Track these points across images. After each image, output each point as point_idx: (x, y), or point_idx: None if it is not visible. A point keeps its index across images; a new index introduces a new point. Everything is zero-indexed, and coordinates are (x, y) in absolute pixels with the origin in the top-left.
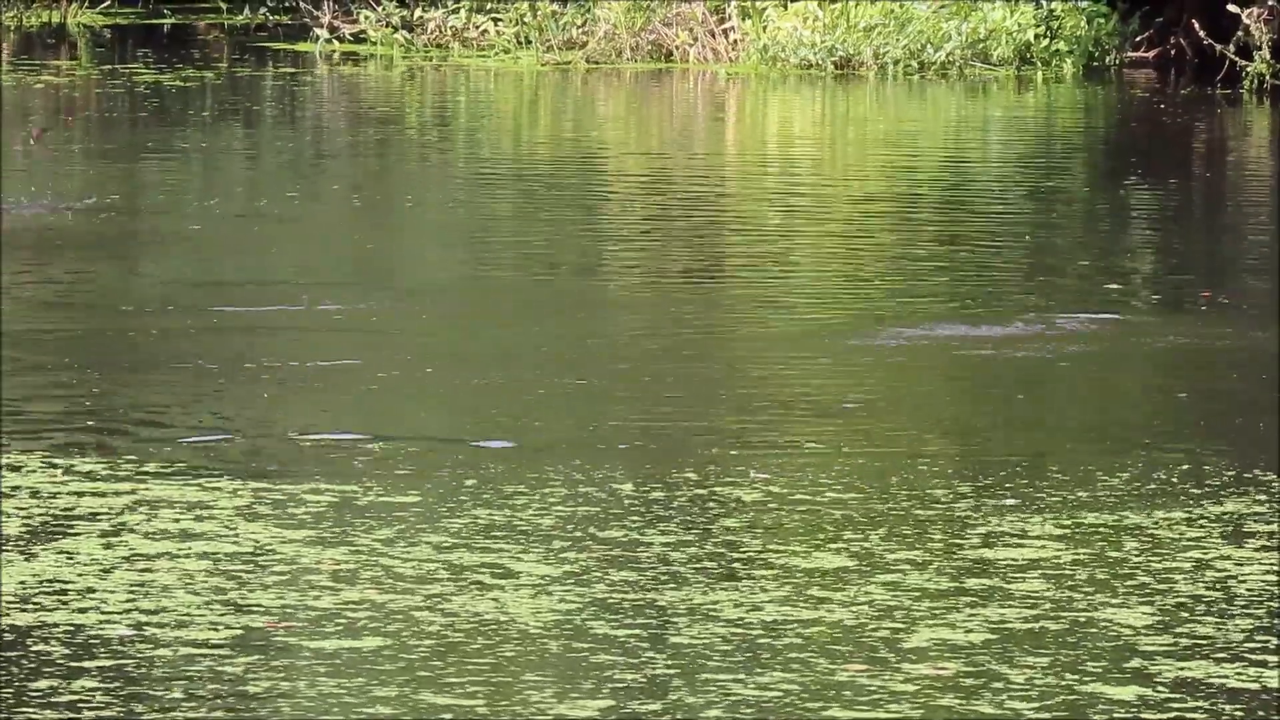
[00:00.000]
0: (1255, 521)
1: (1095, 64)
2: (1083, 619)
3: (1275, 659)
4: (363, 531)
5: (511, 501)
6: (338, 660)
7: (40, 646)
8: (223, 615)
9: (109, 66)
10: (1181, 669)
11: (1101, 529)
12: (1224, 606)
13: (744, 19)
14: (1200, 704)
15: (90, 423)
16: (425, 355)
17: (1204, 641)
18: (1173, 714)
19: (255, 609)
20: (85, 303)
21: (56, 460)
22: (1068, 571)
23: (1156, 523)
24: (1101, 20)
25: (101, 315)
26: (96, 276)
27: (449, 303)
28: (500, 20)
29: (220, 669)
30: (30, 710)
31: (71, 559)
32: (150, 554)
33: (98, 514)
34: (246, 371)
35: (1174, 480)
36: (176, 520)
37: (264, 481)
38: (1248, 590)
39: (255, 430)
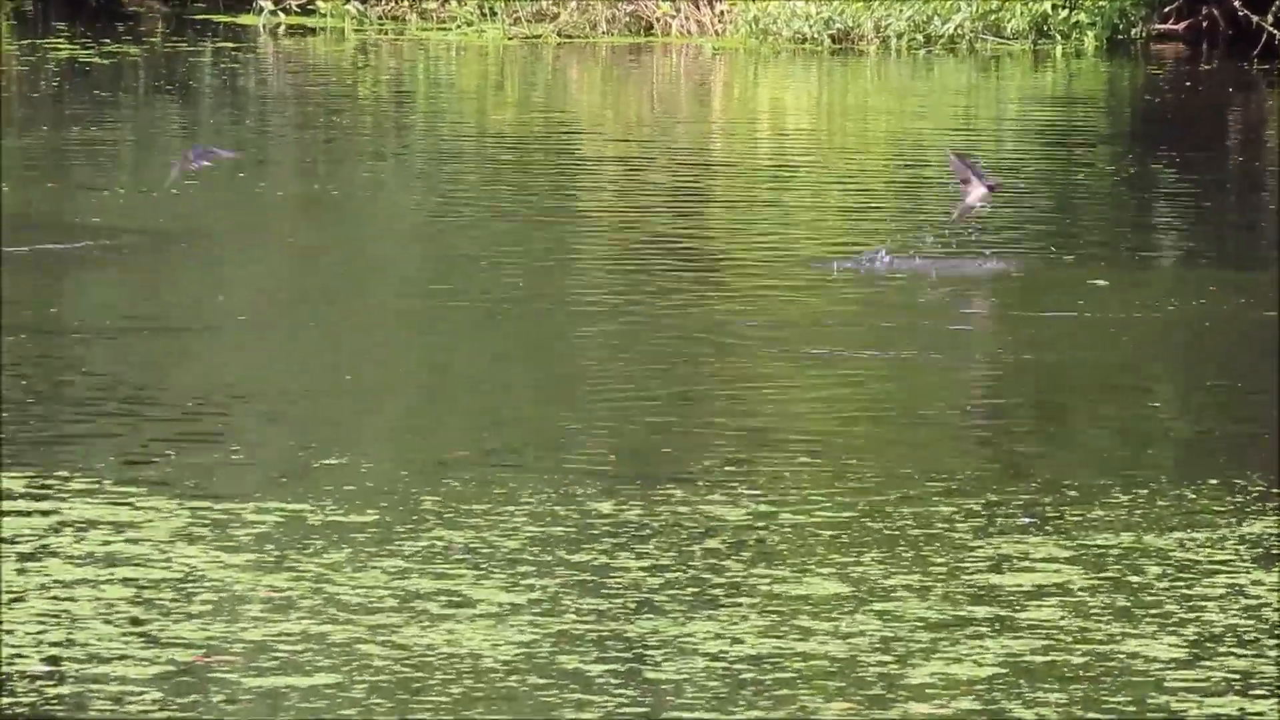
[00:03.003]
0: None
1: (1119, 37)
2: (1101, 651)
3: None
4: (308, 555)
5: (475, 522)
6: (264, 698)
7: None
8: (142, 649)
9: (28, 41)
10: (1212, 706)
11: (1120, 551)
12: (1257, 636)
13: None
14: None
15: (3, 436)
16: (383, 362)
17: (1236, 676)
18: None
19: (177, 642)
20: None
21: None
22: (1084, 598)
23: (1180, 544)
24: None
25: (26, 329)
26: (16, 285)
27: (408, 306)
28: None
29: (130, 707)
30: None
31: None
32: (68, 580)
33: (18, 536)
34: (184, 385)
35: (1198, 497)
36: (105, 543)
37: (204, 500)
38: None
39: (195, 445)
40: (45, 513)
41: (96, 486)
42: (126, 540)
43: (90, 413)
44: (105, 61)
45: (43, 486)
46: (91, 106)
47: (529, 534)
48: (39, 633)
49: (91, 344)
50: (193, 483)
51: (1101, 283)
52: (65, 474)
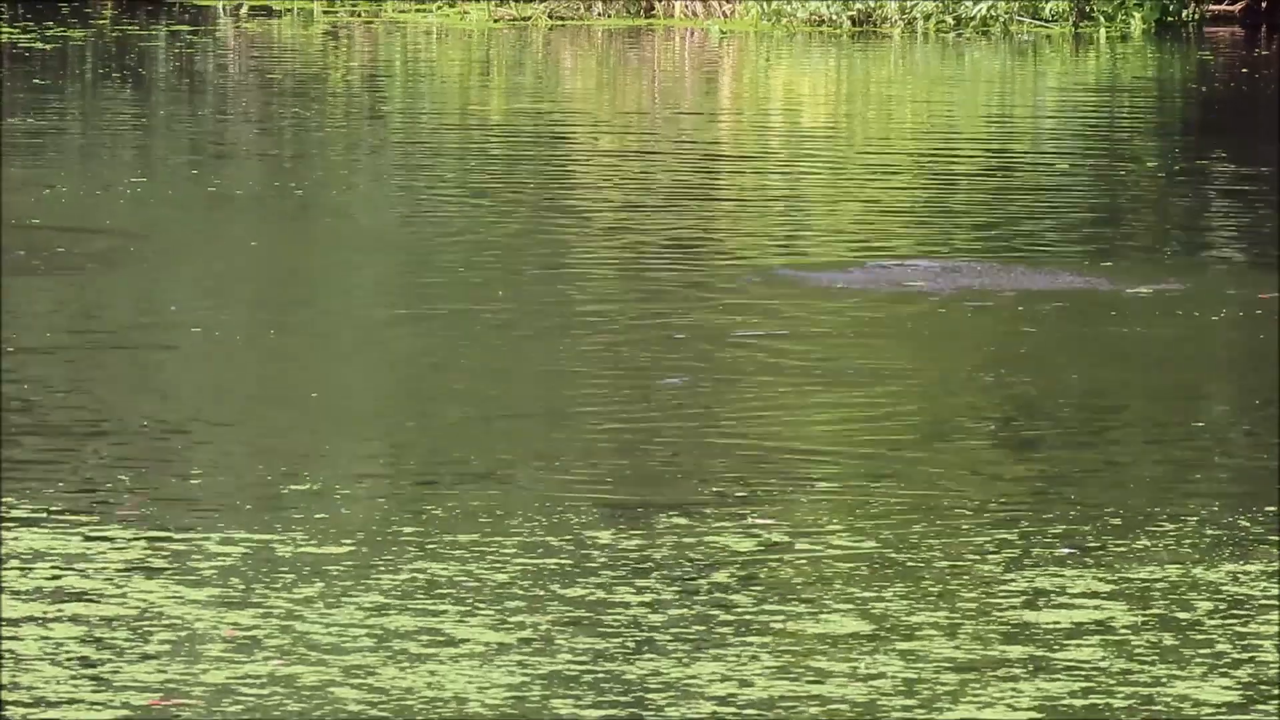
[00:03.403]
0: None
1: (1169, 19)
2: (1146, 694)
3: None
4: (278, 590)
5: (460, 552)
6: None
7: None
8: (93, 692)
9: None
10: None
11: (1166, 585)
12: None
13: None
14: None
15: None
16: (356, 377)
17: None
18: None
19: (132, 685)
20: None
21: None
22: (1127, 637)
23: (1233, 578)
24: None
25: None
26: None
27: (386, 315)
28: None
29: None
30: None
31: None
32: (13, 618)
33: None
34: (137, 404)
35: (1252, 526)
36: (53, 577)
37: (162, 529)
38: None
39: (153, 469)
40: None
41: (43, 514)
42: (77, 574)
43: (35, 433)
44: (47, 46)
45: None
46: (30, 95)
47: (519, 566)
48: None
49: (33, 359)
50: (150, 510)
51: (1143, 290)
52: (9, 500)
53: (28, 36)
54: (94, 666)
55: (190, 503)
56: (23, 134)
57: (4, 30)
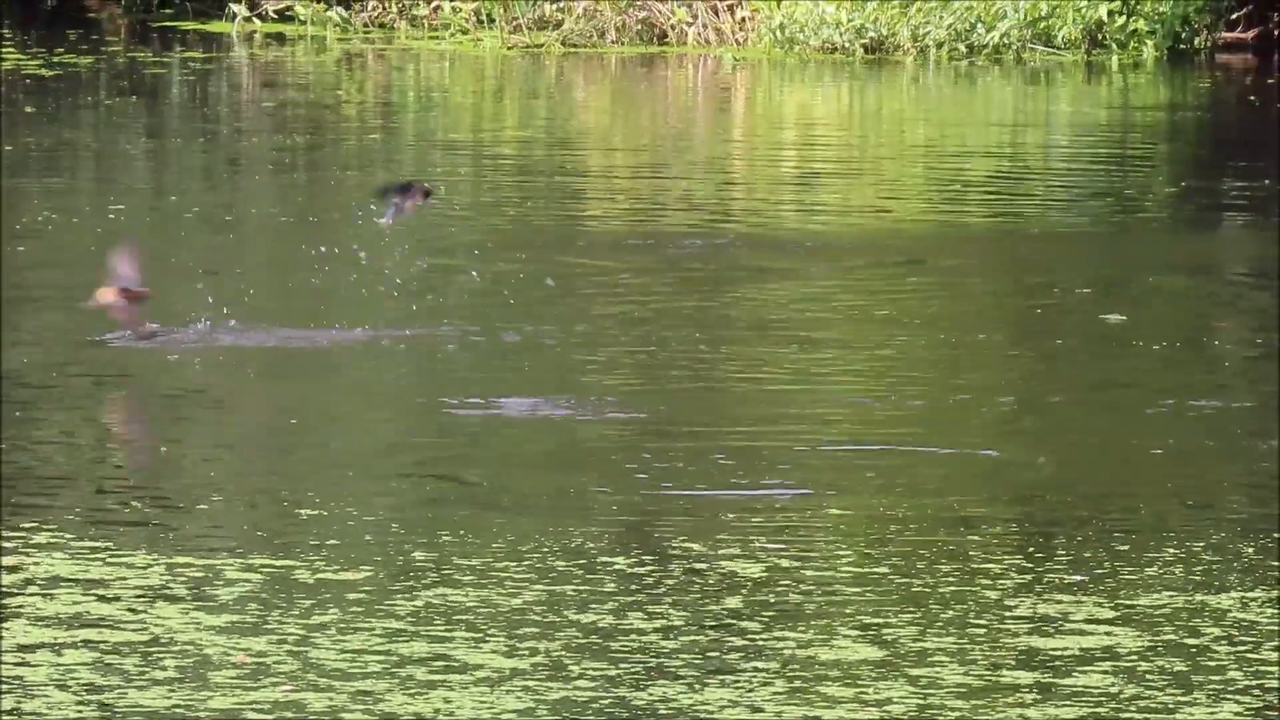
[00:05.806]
0: None
1: (1181, 47)
2: None
3: None
4: (294, 616)
5: (475, 579)
6: None
7: None
8: (98, 718)
9: None
10: None
11: (1172, 611)
12: None
13: None
14: None
15: None
16: (373, 399)
17: None
18: None
19: (137, 710)
20: None
21: None
22: (1136, 663)
23: (1241, 603)
24: None
25: None
26: None
27: (400, 332)
28: None
29: None
30: None
31: None
32: (28, 644)
33: None
34: (158, 424)
35: (1255, 552)
36: (75, 603)
37: (184, 555)
38: None
39: (174, 494)
40: (11, 569)
41: (61, 539)
42: (98, 599)
43: (55, 462)
44: (49, 73)
45: (4, 539)
46: (21, 122)
47: (532, 592)
48: None
49: (44, 387)
50: (170, 536)
51: (1116, 318)
52: (35, 522)
53: (35, 63)
54: (101, 693)
55: (209, 529)
56: (10, 166)
57: (9, 56)
